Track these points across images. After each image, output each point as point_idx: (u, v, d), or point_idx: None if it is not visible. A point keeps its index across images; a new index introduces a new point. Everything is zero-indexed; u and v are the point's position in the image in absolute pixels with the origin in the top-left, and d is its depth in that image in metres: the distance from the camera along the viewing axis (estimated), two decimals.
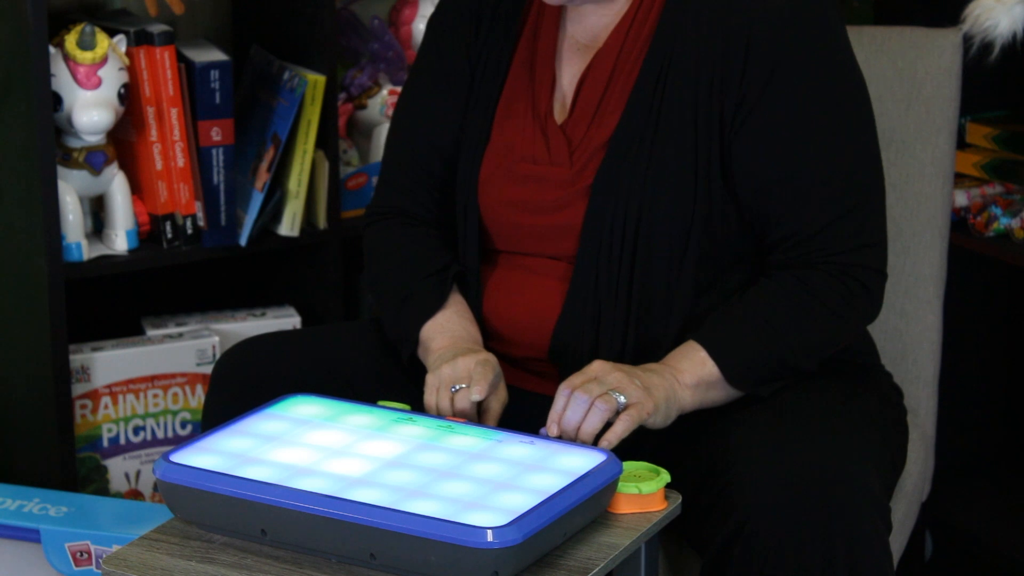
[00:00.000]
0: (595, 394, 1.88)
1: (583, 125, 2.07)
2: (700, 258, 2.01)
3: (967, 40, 2.50)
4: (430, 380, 2.00)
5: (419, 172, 2.19)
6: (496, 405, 1.99)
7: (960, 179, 2.77)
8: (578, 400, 1.87)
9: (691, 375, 1.96)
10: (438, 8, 2.22)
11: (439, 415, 1.95)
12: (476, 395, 1.94)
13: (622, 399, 1.89)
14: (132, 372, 2.74)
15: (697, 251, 2.01)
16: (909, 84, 2.36)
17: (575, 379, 1.91)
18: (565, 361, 2.04)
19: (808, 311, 2.00)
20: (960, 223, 2.76)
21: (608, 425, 1.89)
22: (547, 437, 1.86)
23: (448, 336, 2.07)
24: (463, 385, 1.97)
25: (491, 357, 2.00)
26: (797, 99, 2.00)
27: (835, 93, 2.02)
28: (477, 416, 1.98)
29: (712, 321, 2.00)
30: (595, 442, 1.87)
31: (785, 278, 2.01)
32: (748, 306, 2.00)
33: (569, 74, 2.10)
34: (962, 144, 2.84)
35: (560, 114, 2.10)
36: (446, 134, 2.16)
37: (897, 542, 2.16)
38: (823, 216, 2.00)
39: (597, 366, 1.92)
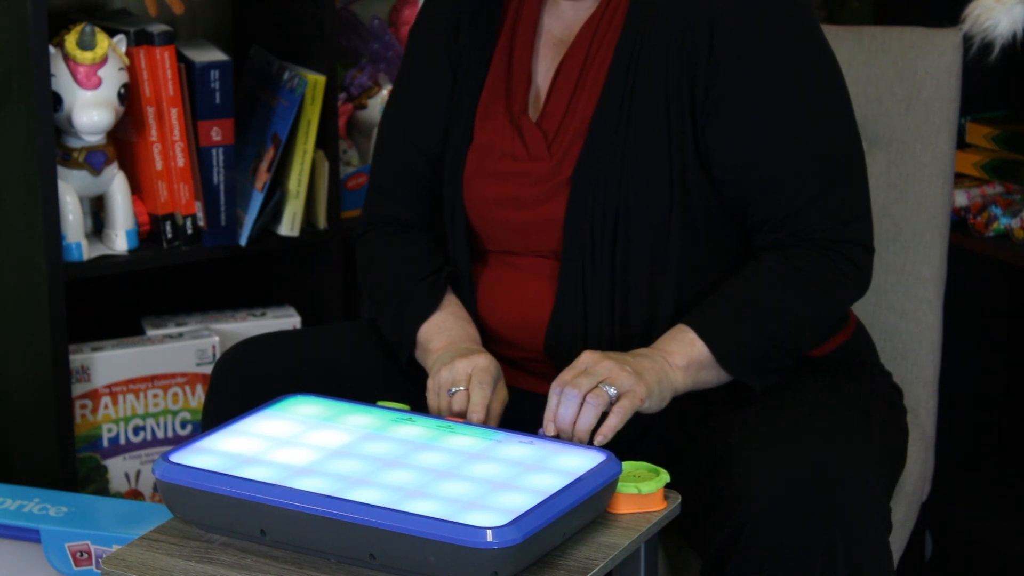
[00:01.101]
0: (585, 389, 1.88)
1: (557, 118, 2.08)
2: (682, 243, 2.02)
3: (967, 40, 2.50)
4: (430, 384, 2.01)
5: (407, 178, 2.21)
6: (497, 406, 1.99)
7: (960, 179, 2.77)
8: (569, 396, 1.87)
9: (681, 356, 1.97)
10: (418, 16, 2.24)
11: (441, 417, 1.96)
12: (475, 419, 1.94)
13: (612, 391, 1.89)
14: (132, 372, 2.74)
15: (679, 237, 2.01)
16: (909, 84, 2.35)
17: (565, 375, 1.91)
18: (561, 357, 2.04)
19: (796, 289, 2.00)
20: (960, 223, 2.76)
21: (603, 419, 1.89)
22: (546, 437, 1.86)
23: (446, 337, 2.07)
24: (460, 388, 1.97)
25: (489, 361, 2.00)
26: (766, 79, 2.00)
27: (805, 71, 2.02)
28: None
29: (700, 305, 2.00)
30: (591, 438, 1.87)
31: (771, 258, 2.01)
32: (736, 287, 2.00)
33: (544, 69, 2.12)
34: (962, 144, 2.84)
35: (534, 110, 2.10)
36: (431, 138, 2.18)
37: (897, 542, 2.16)
38: (802, 195, 2.00)
39: (586, 357, 1.92)
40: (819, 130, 2.02)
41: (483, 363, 1.99)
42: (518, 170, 2.09)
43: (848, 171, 2.04)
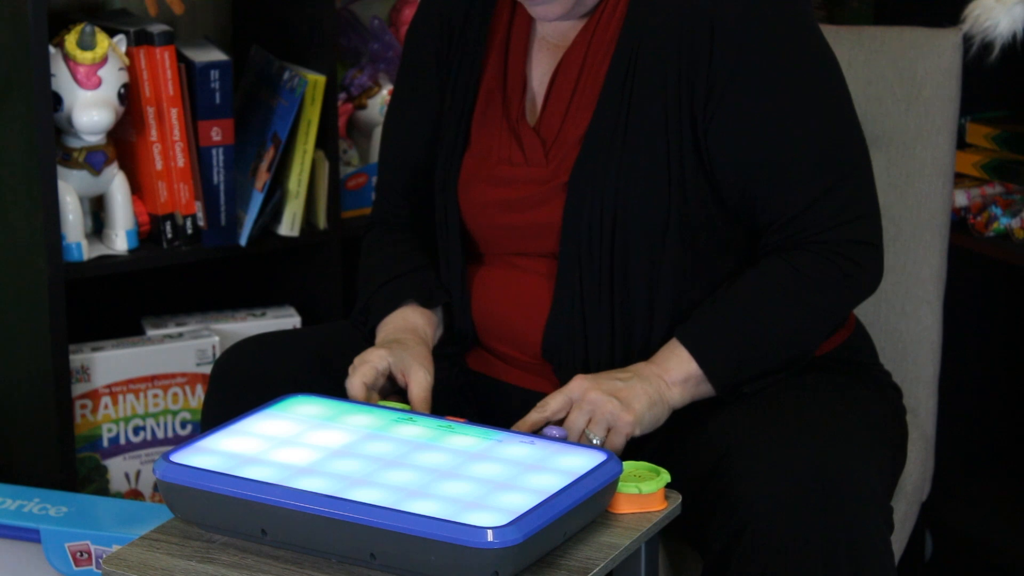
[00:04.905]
0: (574, 437, 1.90)
1: (556, 123, 2.08)
2: (680, 248, 2.01)
3: (967, 40, 2.50)
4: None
5: (397, 182, 2.24)
6: (416, 390, 2.01)
7: (960, 179, 2.77)
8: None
9: (677, 372, 1.97)
10: (412, 20, 2.24)
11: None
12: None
13: (596, 440, 1.91)
14: (132, 372, 2.74)
15: (676, 242, 2.01)
16: (909, 84, 2.35)
17: (551, 403, 1.93)
18: (559, 359, 2.05)
19: (796, 297, 2.00)
20: (960, 223, 2.77)
21: None
22: (551, 437, 1.86)
23: (385, 329, 2.11)
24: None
25: (389, 352, 2.03)
26: (767, 80, 2.00)
27: (805, 71, 2.02)
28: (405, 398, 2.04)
29: (696, 317, 2.00)
30: None
31: (773, 264, 2.01)
32: (733, 300, 2.00)
33: (539, 73, 2.11)
34: (962, 144, 2.84)
35: (532, 115, 2.10)
36: (418, 144, 2.19)
37: (897, 542, 2.16)
38: (806, 195, 2.00)
39: (576, 385, 1.94)
40: (822, 128, 2.02)
41: (372, 359, 2.02)
42: (515, 175, 2.09)
43: (852, 168, 2.03)
